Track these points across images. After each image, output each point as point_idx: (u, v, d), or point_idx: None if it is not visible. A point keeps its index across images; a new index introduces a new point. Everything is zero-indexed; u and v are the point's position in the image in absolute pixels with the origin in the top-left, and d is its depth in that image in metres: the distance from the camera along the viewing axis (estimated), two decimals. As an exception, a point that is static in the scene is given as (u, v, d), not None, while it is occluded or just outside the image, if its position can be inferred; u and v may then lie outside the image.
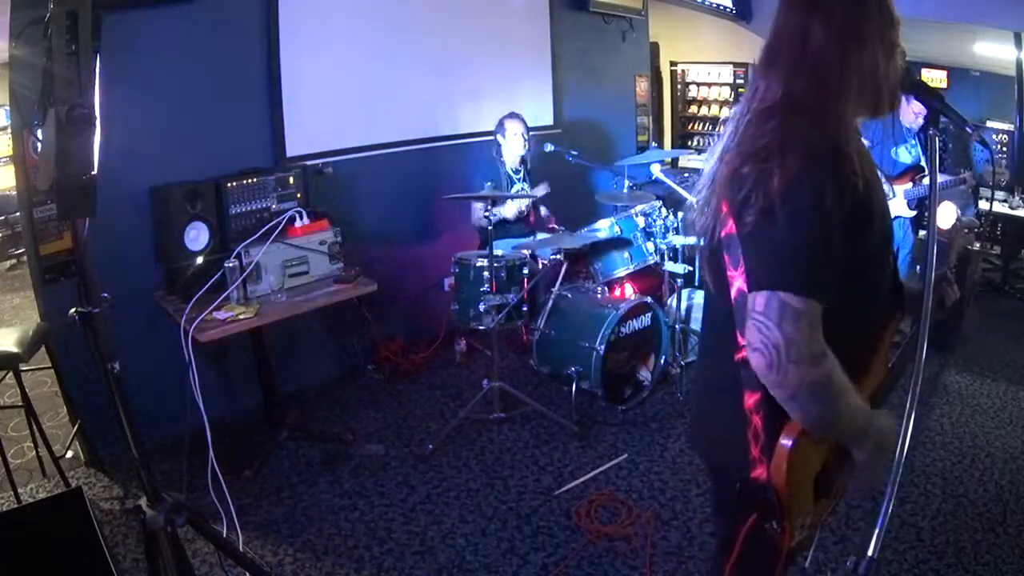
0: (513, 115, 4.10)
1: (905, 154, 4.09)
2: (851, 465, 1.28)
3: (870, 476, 1.27)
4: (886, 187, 4.07)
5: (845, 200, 1.11)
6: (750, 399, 1.22)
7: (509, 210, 4.08)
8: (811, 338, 1.11)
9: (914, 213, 4.17)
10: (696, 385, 1.60)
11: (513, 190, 4.11)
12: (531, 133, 4.16)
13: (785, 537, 1.21)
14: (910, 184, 4.12)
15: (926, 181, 3.70)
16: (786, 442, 1.17)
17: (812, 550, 1.38)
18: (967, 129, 1.34)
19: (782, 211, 1.10)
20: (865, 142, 4.10)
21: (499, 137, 4.09)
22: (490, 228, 3.37)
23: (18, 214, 5.06)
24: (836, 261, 1.13)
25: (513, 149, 4.07)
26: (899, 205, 4.13)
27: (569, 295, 3.76)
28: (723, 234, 1.23)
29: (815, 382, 1.11)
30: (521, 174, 4.17)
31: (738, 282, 1.21)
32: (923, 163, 4.12)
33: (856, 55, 1.19)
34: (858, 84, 1.20)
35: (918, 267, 4.27)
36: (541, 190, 4.08)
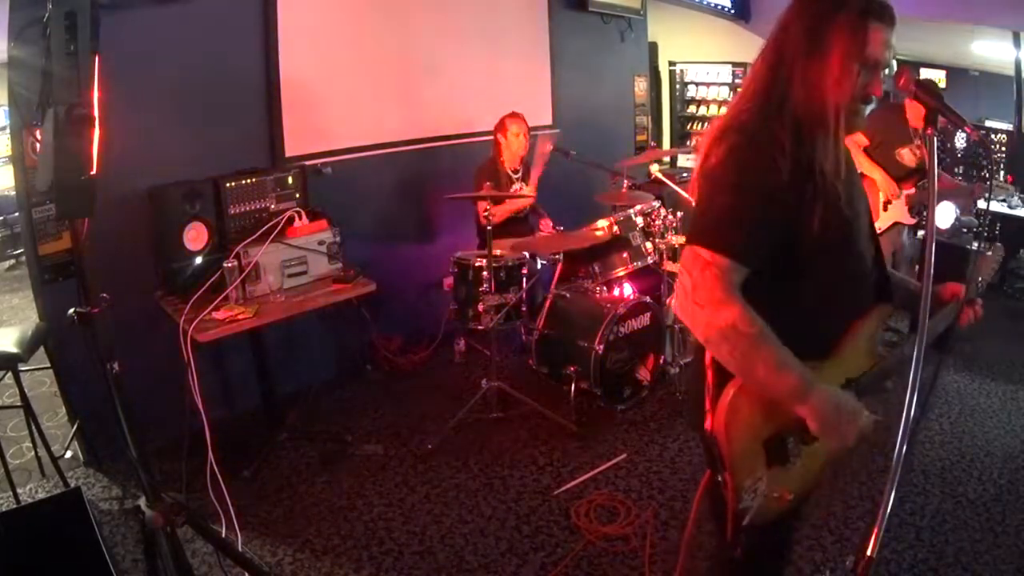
0: (515, 115, 4.08)
1: (909, 156, 4.05)
2: (812, 439, 1.32)
3: (832, 446, 1.33)
4: (892, 187, 4.04)
5: (770, 181, 1.25)
6: (708, 356, 1.35)
7: (502, 213, 3.99)
8: (715, 286, 1.25)
9: (914, 221, 4.14)
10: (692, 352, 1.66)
11: (512, 190, 4.10)
12: (531, 133, 4.15)
13: (729, 491, 1.30)
14: (913, 189, 4.07)
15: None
16: (726, 394, 1.30)
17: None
18: (966, 129, 1.35)
19: (713, 179, 1.29)
20: (864, 139, 4.05)
21: (499, 136, 4.08)
22: (490, 228, 3.36)
23: (17, 214, 5.05)
24: (763, 231, 1.27)
25: (514, 149, 4.06)
26: (900, 210, 4.10)
27: (568, 295, 3.76)
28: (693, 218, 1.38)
29: (723, 327, 1.24)
30: (520, 173, 4.17)
31: None
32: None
33: (810, 67, 1.29)
34: (805, 92, 1.30)
35: (917, 267, 4.27)
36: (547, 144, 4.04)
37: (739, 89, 1.41)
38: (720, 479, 1.32)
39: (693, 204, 1.37)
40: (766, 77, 1.34)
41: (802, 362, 1.26)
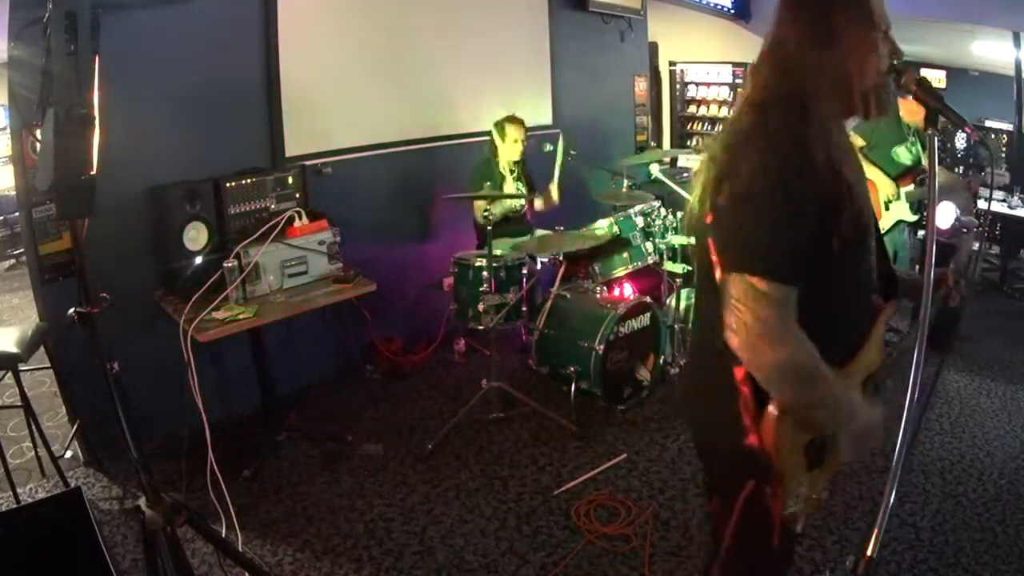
0: (514, 119, 4.07)
1: (905, 153, 4.06)
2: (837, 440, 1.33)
3: (855, 452, 1.33)
4: (891, 187, 4.05)
5: (810, 188, 1.19)
6: (739, 372, 1.29)
7: (497, 210, 3.97)
8: (780, 322, 1.18)
9: (916, 218, 4.14)
10: (689, 366, 1.61)
11: (506, 189, 4.09)
12: (531, 133, 4.15)
13: (778, 502, 1.30)
14: (912, 186, 4.08)
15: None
16: (773, 410, 1.25)
17: (801, 524, 1.40)
18: (966, 129, 1.35)
19: (749, 195, 1.19)
20: (860, 141, 4.06)
21: (496, 139, 4.08)
22: (490, 228, 3.36)
23: (17, 214, 5.05)
24: (804, 247, 1.20)
25: (510, 154, 4.06)
26: (902, 209, 4.10)
27: (568, 295, 3.76)
28: (708, 220, 1.29)
29: (785, 364, 1.19)
30: (516, 173, 4.16)
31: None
32: (924, 163, 4.09)
33: (826, 59, 1.25)
34: (827, 85, 1.26)
35: (917, 267, 4.27)
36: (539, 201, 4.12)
37: (744, 102, 1.32)
38: (768, 490, 1.31)
39: (725, 226, 1.25)
40: (779, 84, 1.27)
41: (833, 367, 1.24)
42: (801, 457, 1.31)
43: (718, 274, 1.28)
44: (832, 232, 1.23)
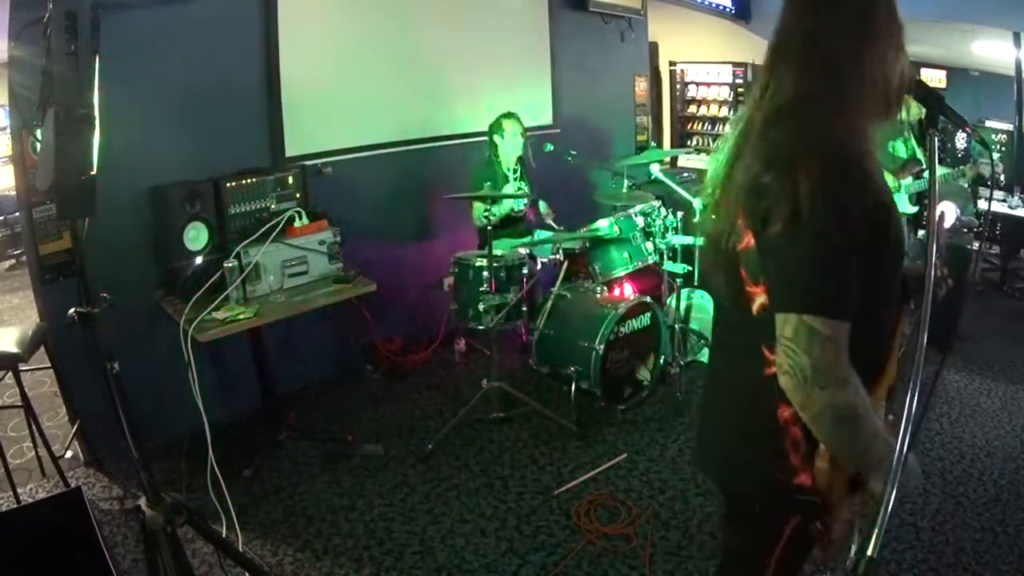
0: (510, 115, 4.08)
1: (901, 147, 4.08)
2: None
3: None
4: (891, 181, 4.06)
5: (867, 208, 1.10)
6: (786, 411, 1.21)
7: (497, 211, 3.93)
8: (837, 363, 1.10)
9: (915, 209, 4.16)
10: (714, 400, 1.47)
11: (508, 190, 4.09)
12: (531, 133, 4.15)
13: (828, 533, 1.25)
14: (910, 178, 4.11)
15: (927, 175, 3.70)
16: (825, 451, 1.19)
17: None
18: (966, 129, 1.35)
19: (808, 223, 1.08)
20: None
21: (495, 138, 4.07)
22: (490, 228, 3.36)
23: (18, 214, 5.05)
24: (860, 274, 1.11)
25: (511, 149, 4.06)
26: (902, 202, 4.12)
27: (568, 295, 3.76)
28: (740, 247, 1.21)
29: (840, 406, 1.11)
30: (518, 173, 4.16)
31: (760, 298, 1.20)
32: (918, 155, 4.11)
33: (868, 55, 1.16)
34: (871, 85, 1.17)
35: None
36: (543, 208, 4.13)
37: (769, 105, 1.21)
38: (819, 526, 1.26)
39: (779, 260, 1.14)
40: (813, 82, 1.16)
41: (865, 384, 1.16)
42: (847, 486, 1.24)
43: (756, 305, 1.20)
44: (880, 251, 1.15)
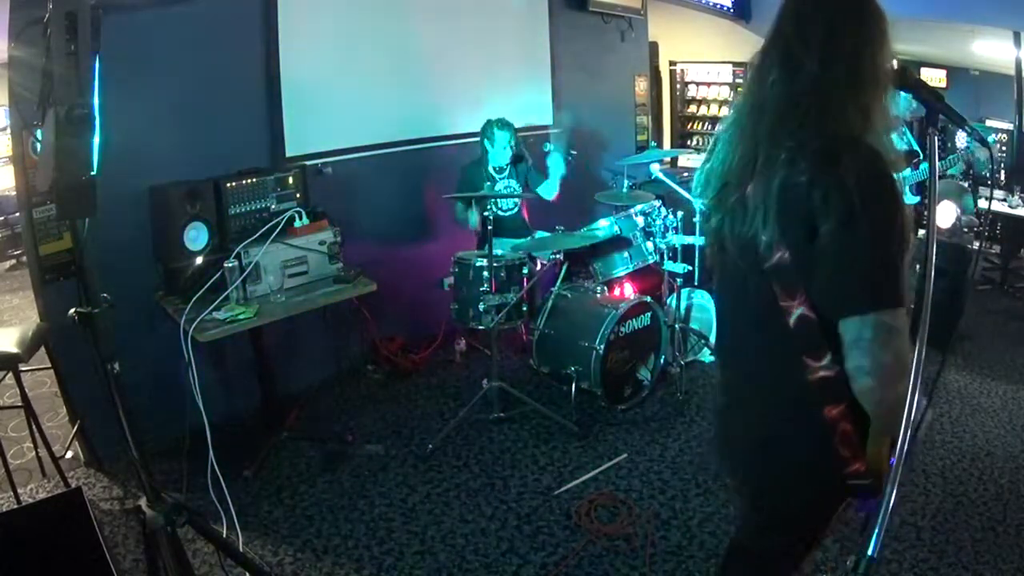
0: (503, 125, 4.00)
1: (898, 139, 4.08)
2: None
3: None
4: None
5: (901, 204, 1.12)
6: (834, 410, 1.22)
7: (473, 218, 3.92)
8: (907, 353, 1.10)
9: (916, 200, 4.15)
10: (747, 405, 1.46)
11: (496, 189, 4.08)
12: (531, 133, 4.14)
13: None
14: (908, 169, 4.10)
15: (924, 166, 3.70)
16: (876, 439, 1.23)
17: None
18: (966, 129, 1.35)
19: (863, 218, 1.09)
20: None
21: (485, 143, 4.05)
22: (490, 228, 3.36)
23: (18, 214, 5.06)
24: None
25: (499, 157, 4.04)
26: (904, 193, 4.12)
27: (569, 295, 3.76)
28: (769, 265, 1.22)
29: (904, 392, 1.08)
30: (507, 172, 4.14)
31: (798, 311, 1.20)
32: (915, 148, 4.10)
33: (868, 45, 1.21)
34: (871, 73, 1.22)
35: (917, 266, 4.26)
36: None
37: (791, 95, 1.22)
38: (872, 502, 1.29)
39: (837, 263, 1.14)
40: (831, 75, 1.20)
41: None
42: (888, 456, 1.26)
43: (794, 318, 1.21)
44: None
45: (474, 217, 3.85)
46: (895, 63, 1.25)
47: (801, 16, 1.25)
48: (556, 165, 4.03)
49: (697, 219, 3.92)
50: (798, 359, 1.22)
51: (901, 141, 4.09)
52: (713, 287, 1.57)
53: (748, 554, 1.64)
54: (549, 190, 4.09)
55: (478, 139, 4.14)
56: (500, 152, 4.02)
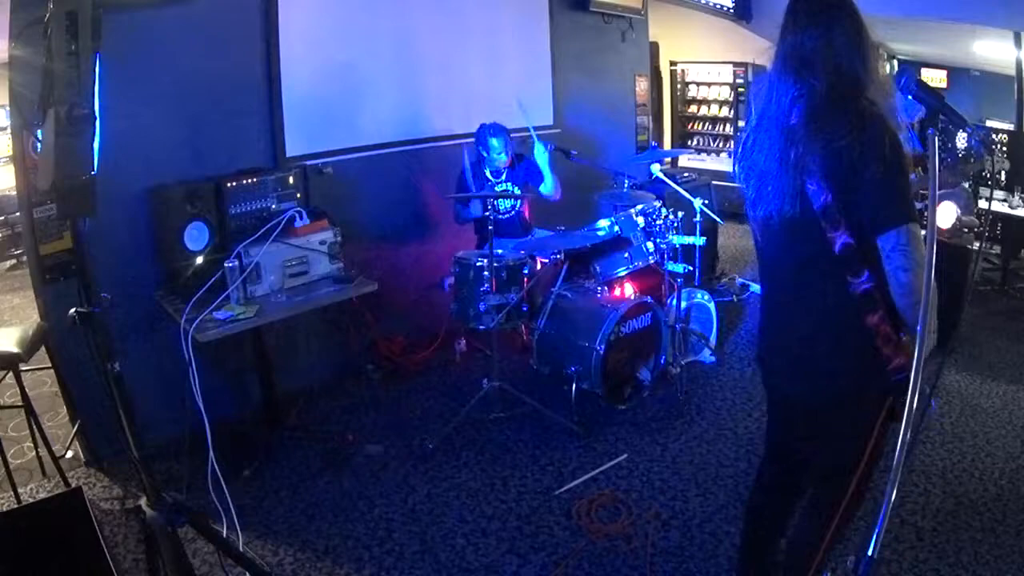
0: (497, 132, 3.91)
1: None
2: None
3: None
4: None
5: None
6: (873, 317, 1.55)
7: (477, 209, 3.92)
8: (924, 251, 1.46)
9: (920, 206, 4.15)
10: (796, 328, 1.76)
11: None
12: (535, 133, 4.12)
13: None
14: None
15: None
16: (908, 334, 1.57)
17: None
18: (966, 129, 1.36)
19: (893, 162, 1.46)
20: None
21: (481, 150, 3.97)
22: (490, 228, 3.36)
23: (18, 214, 5.06)
24: None
25: (496, 164, 4.00)
26: None
27: (569, 295, 3.76)
28: (819, 206, 1.54)
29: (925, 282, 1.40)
30: (503, 176, 4.10)
31: (842, 238, 1.53)
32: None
33: (869, 54, 1.55)
34: (873, 73, 1.55)
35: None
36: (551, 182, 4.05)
37: (814, 98, 1.56)
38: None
39: (880, 194, 1.49)
40: (853, 77, 1.54)
41: None
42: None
43: (840, 244, 1.53)
44: None
45: (476, 206, 3.85)
46: (882, 51, 1.56)
47: (803, 37, 1.57)
48: (539, 153, 3.95)
49: (697, 219, 3.93)
50: (843, 279, 1.56)
51: (907, 145, 4.09)
52: (759, 258, 1.87)
53: (814, 503, 1.91)
54: (547, 186, 4.05)
55: (474, 140, 4.12)
56: (496, 159, 3.96)
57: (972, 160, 4.42)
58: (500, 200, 4.08)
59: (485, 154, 3.98)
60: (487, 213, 3.37)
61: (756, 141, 1.68)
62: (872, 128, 1.47)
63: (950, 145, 5.32)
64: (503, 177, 4.10)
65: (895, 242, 1.47)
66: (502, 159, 3.97)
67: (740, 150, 1.78)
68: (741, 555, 2.22)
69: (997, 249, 5.69)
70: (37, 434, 3.06)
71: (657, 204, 3.99)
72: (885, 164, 1.45)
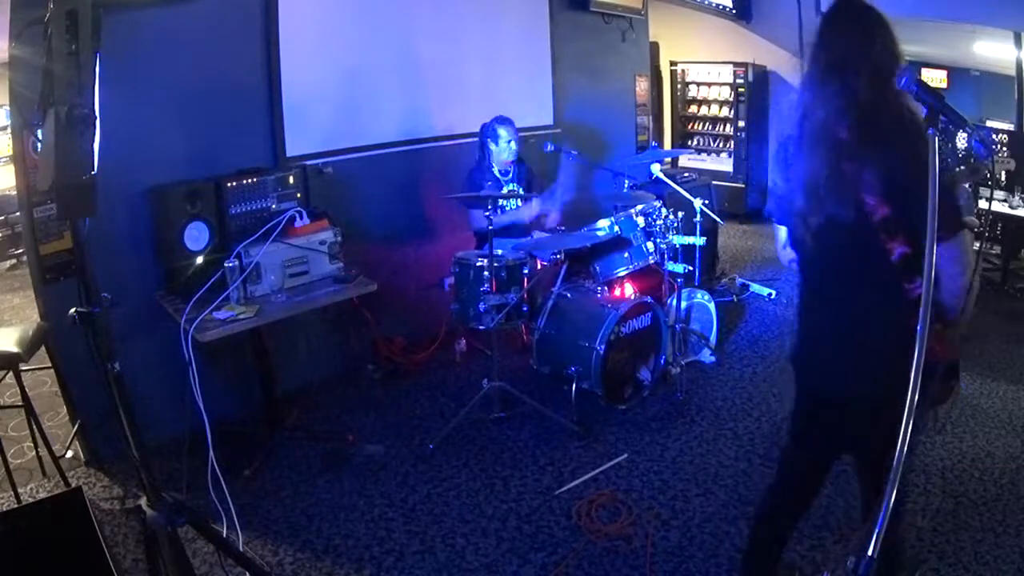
0: (504, 121, 3.98)
1: None
2: None
3: None
4: None
5: None
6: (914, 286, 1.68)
7: (509, 217, 3.96)
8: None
9: None
10: (851, 333, 1.81)
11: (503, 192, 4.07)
12: (534, 133, 4.13)
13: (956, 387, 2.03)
14: None
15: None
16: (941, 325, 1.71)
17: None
18: (967, 129, 1.35)
19: (944, 177, 1.46)
20: None
21: (489, 142, 4.00)
22: (490, 228, 3.35)
23: (18, 214, 5.06)
24: None
25: (504, 157, 4.01)
26: None
27: (569, 295, 3.76)
28: (878, 218, 1.61)
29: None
30: (510, 175, 4.12)
31: (899, 248, 1.62)
32: None
33: (901, 63, 1.60)
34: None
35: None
36: (536, 205, 4.06)
37: (860, 108, 1.61)
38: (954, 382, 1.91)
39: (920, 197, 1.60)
40: (891, 85, 1.54)
41: None
42: None
43: (897, 254, 1.62)
44: None
45: (480, 217, 3.84)
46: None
47: (843, 46, 1.65)
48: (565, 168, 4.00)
49: (698, 219, 3.93)
50: (899, 286, 1.66)
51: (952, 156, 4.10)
52: (804, 264, 1.90)
53: (877, 468, 1.93)
54: (552, 197, 4.05)
55: (477, 140, 4.13)
56: (506, 149, 3.97)
57: (972, 161, 4.42)
58: (507, 200, 4.09)
59: (494, 146, 3.98)
60: (488, 213, 3.36)
61: (802, 152, 1.73)
62: (921, 144, 1.52)
63: (951, 145, 5.32)
64: (510, 176, 4.11)
65: (951, 253, 1.59)
66: (511, 148, 3.97)
67: (781, 159, 1.85)
68: (750, 558, 2.21)
69: (997, 249, 5.69)
70: (37, 434, 3.06)
71: (657, 204, 3.99)
72: (935, 182, 1.53)
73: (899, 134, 1.55)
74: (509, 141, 3.96)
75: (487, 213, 3.36)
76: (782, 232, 1.96)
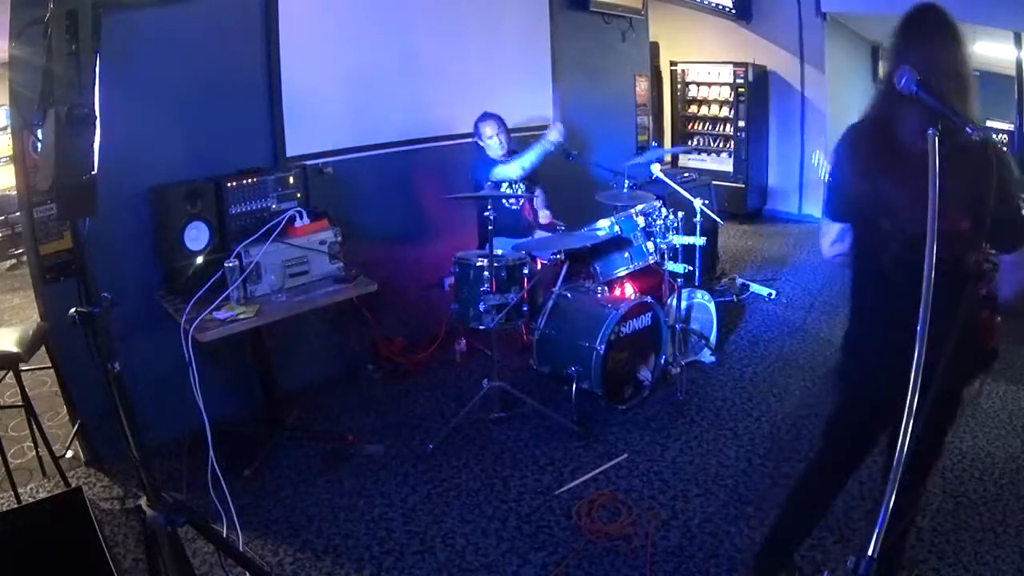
0: (486, 117, 4.01)
1: None
2: None
3: None
4: None
5: None
6: (988, 312, 2.06)
7: (513, 170, 3.91)
8: None
9: None
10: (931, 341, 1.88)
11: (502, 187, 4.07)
12: (534, 133, 4.12)
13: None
14: None
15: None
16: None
17: None
18: (967, 129, 1.36)
19: (1015, 192, 1.77)
20: None
21: (478, 141, 4.05)
22: (490, 227, 3.35)
23: (18, 214, 5.06)
24: None
25: (493, 151, 4.03)
26: None
27: (569, 295, 3.76)
28: (961, 229, 1.74)
29: None
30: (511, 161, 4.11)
31: (974, 255, 1.84)
32: None
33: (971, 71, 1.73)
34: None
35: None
36: (538, 200, 4.06)
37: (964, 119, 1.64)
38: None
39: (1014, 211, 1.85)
40: (972, 98, 1.72)
41: None
42: None
43: (971, 259, 1.82)
44: None
45: (529, 157, 3.83)
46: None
47: (953, 59, 1.70)
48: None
49: (698, 219, 3.92)
50: (975, 287, 1.88)
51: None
52: (890, 269, 1.94)
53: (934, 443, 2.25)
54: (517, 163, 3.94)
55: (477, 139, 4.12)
56: (494, 144, 3.99)
57: None
58: (507, 201, 4.09)
59: (481, 142, 4.00)
60: (487, 214, 3.36)
61: (883, 163, 1.80)
62: (995, 160, 1.63)
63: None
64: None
65: (1017, 258, 1.89)
66: (500, 141, 3.97)
67: (844, 160, 1.92)
68: (771, 544, 2.29)
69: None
70: (37, 434, 3.07)
71: (657, 204, 3.99)
72: (1010, 195, 1.72)
73: (979, 153, 1.61)
74: (491, 137, 3.97)
75: (486, 213, 3.36)
76: (833, 228, 2.02)
